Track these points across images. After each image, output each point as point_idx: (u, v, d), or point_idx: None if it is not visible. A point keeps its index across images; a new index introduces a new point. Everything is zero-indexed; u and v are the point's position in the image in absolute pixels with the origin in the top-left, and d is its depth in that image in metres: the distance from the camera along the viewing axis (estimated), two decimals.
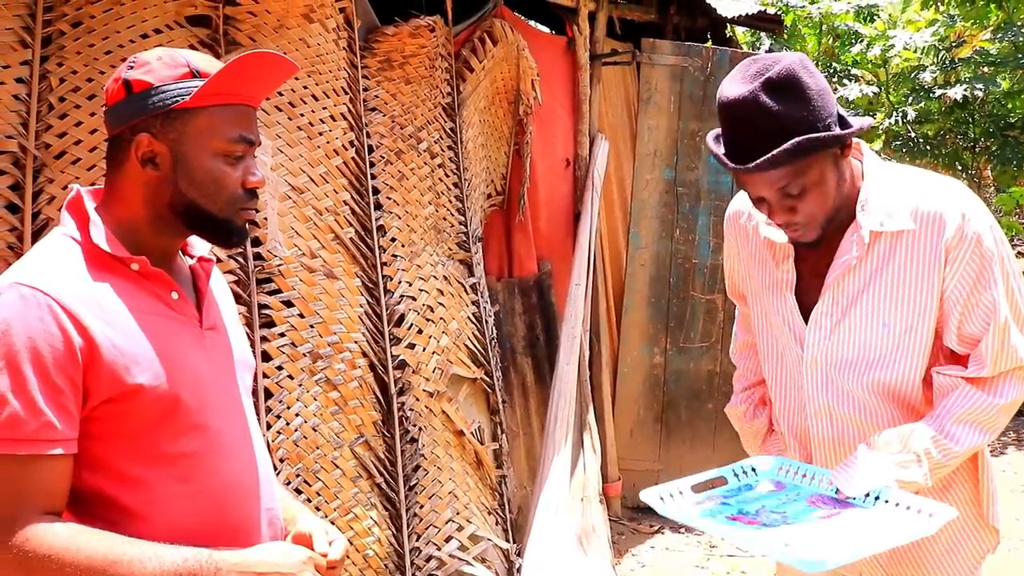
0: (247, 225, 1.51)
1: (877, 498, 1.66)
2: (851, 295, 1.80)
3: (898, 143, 8.21)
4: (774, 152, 1.62)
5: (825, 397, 1.85)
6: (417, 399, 3.36)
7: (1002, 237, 1.76)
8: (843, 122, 1.71)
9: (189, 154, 1.41)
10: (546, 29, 5.60)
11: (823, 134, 1.64)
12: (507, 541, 3.60)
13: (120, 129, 1.42)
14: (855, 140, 1.83)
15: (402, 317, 3.39)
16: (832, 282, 1.80)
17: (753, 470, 1.84)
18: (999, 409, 1.76)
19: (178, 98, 1.40)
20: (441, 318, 3.54)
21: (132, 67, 1.42)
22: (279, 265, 2.99)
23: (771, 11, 6.08)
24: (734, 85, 1.67)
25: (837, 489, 1.72)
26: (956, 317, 1.75)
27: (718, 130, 1.75)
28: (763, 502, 1.72)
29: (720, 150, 1.72)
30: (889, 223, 1.74)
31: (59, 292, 1.32)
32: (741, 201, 2.01)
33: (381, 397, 3.26)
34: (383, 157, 3.46)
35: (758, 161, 1.63)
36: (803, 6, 8.65)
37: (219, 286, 1.62)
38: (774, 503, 1.72)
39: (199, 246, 1.57)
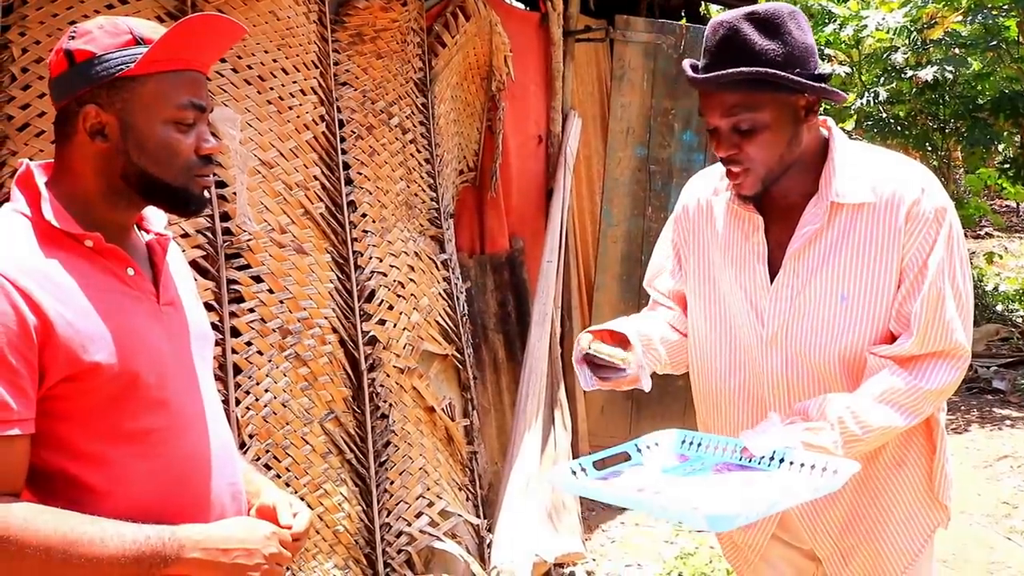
0: (204, 192, 1.48)
1: (782, 460, 1.66)
2: (811, 267, 1.81)
3: (869, 123, 8.28)
4: (731, 70, 1.67)
5: (784, 371, 1.84)
6: (388, 375, 3.36)
7: (957, 218, 1.79)
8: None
9: (138, 123, 1.39)
10: (519, 5, 5.57)
11: (784, 73, 1.67)
12: (478, 517, 3.62)
13: (66, 101, 1.40)
14: (824, 117, 1.85)
15: (372, 293, 3.38)
16: (794, 252, 1.81)
17: (656, 444, 1.83)
18: (923, 394, 1.74)
19: (122, 66, 1.37)
20: (412, 294, 3.53)
21: (73, 37, 1.39)
22: (248, 240, 2.96)
23: None
24: (723, 14, 1.74)
25: (742, 457, 1.71)
26: (903, 291, 1.76)
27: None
28: (668, 474, 1.72)
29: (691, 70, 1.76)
30: (851, 195, 1.77)
31: (10, 270, 1.29)
32: (703, 178, 2.03)
33: (351, 373, 3.25)
34: (354, 132, 3.43)
35: (714, 73, 1.68)
36: None
37: (176, 261, 1.59)
38: (679, 474, 1.72)
39: (155, 221, 1.55)
